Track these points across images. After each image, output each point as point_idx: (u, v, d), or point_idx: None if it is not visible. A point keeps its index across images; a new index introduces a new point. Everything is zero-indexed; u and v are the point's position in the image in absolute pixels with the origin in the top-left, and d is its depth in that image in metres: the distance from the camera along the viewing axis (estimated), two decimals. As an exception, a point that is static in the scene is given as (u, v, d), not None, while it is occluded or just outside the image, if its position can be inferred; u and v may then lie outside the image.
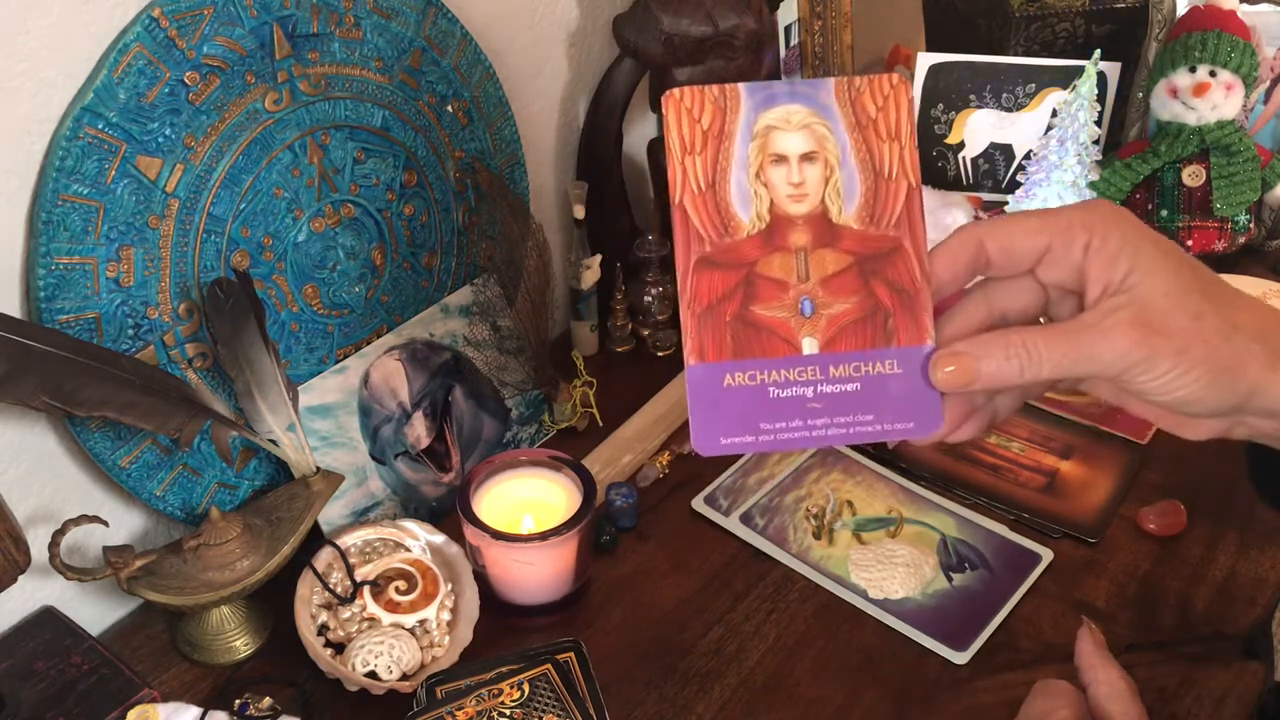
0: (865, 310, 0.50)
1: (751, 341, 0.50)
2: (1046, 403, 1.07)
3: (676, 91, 0.49)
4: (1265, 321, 0.50)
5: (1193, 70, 1.19)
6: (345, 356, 0.95)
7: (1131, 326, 0.48)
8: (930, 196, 1.24)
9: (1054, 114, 1.17)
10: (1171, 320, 0.48)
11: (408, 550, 0.87)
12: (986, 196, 1.29)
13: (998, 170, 1.29)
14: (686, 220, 0.50)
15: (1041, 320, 0.52)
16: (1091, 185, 1.17)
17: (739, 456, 1.02)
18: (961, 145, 1.28)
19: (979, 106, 1.26)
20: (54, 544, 0.76)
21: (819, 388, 0.50)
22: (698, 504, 0.97)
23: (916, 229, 0.50)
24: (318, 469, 0.86)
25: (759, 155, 0.50)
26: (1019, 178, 1.20)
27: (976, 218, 1.26)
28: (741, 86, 0.49)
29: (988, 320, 0.51)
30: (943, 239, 0.51)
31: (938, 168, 1.29)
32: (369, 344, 0.95)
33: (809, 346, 0.50)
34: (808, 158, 0.50)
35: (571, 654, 0.77)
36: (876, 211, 0.50)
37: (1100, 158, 1.17)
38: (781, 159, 0.50)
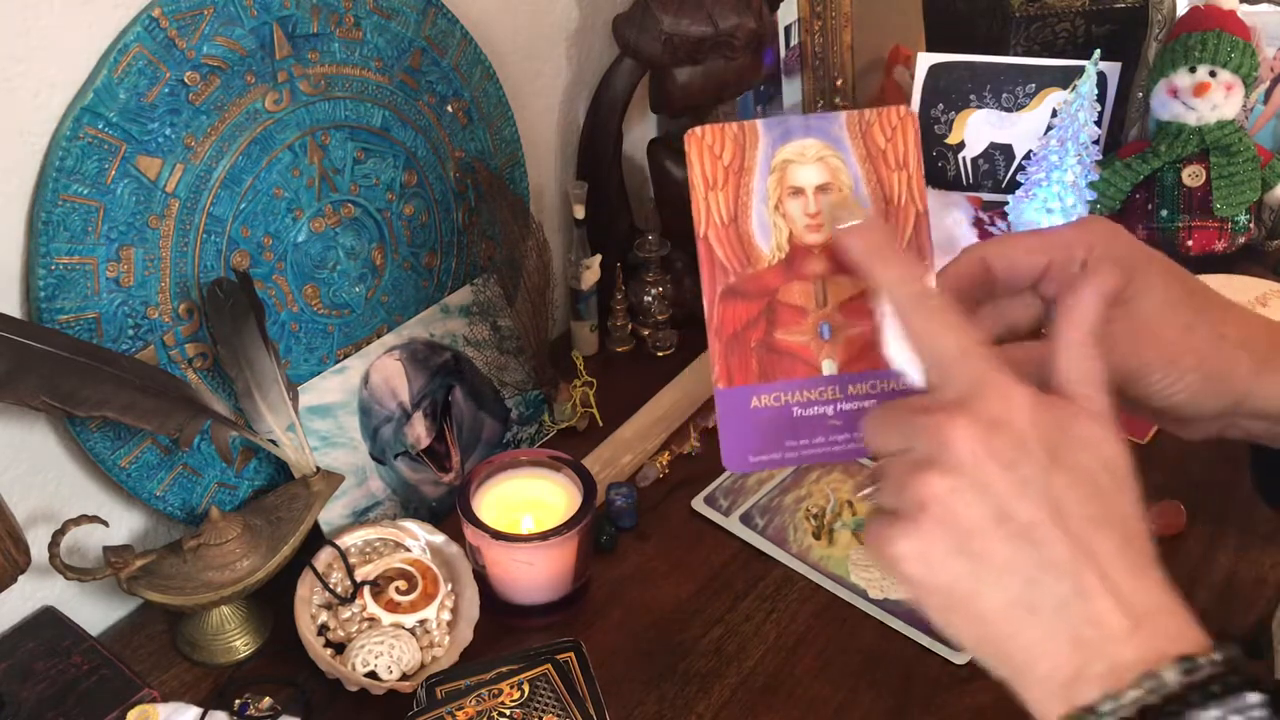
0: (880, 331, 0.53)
1: (775, 365, 0.53)
2: (1046, 403, 1.07)
3: (698, 130, 0.52)
4: (1252, 330, 0.53)
5: (1193, 70, 1.19)
6: (345, 356, 0.95)
7: (1124, 339, 0.51)
8: (930, 197, 1.23)
9: (1054, 114, 1.17)
10: (1163, 332, 0.51)
11: (408, 550, 0.87)
12: (986, 196, 1.29)
13: (998, 170, 1.29)
14: (711, 253, 0.52)
15: (1043, 332, 0.54)
16: (1091, 185, 1.17)
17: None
18: (961, 145, 1.28)
19: (979, 106, 1.26)
20: (54, 544, 0.76)
21: (839, 406, 0.53)
22: (698, 504, 0.97)
23: (925, 252, 0.53)
24: (318, 469, 0.86)
25: (777, 188, 0.52)
26: (1019, 178, 1.20)
27: (977, 217, 1.26)
28: (760, 123, 0.52)
29: (995, 331, 0.54)
30: (949, 259, 0.53)
31: (938, 168, 1.29)
32: (369, 344, 0.95)
33: (828, 368, 0.53)
34: (823, 189, 0.52)
35: (571, 654, 0.77)
36: None
37: (1100, 158, 1.17)
38: (799, 191, 0.52)
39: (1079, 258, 0.51)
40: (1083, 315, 0.47)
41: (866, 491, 0.48)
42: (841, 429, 0.53)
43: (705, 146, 0.52)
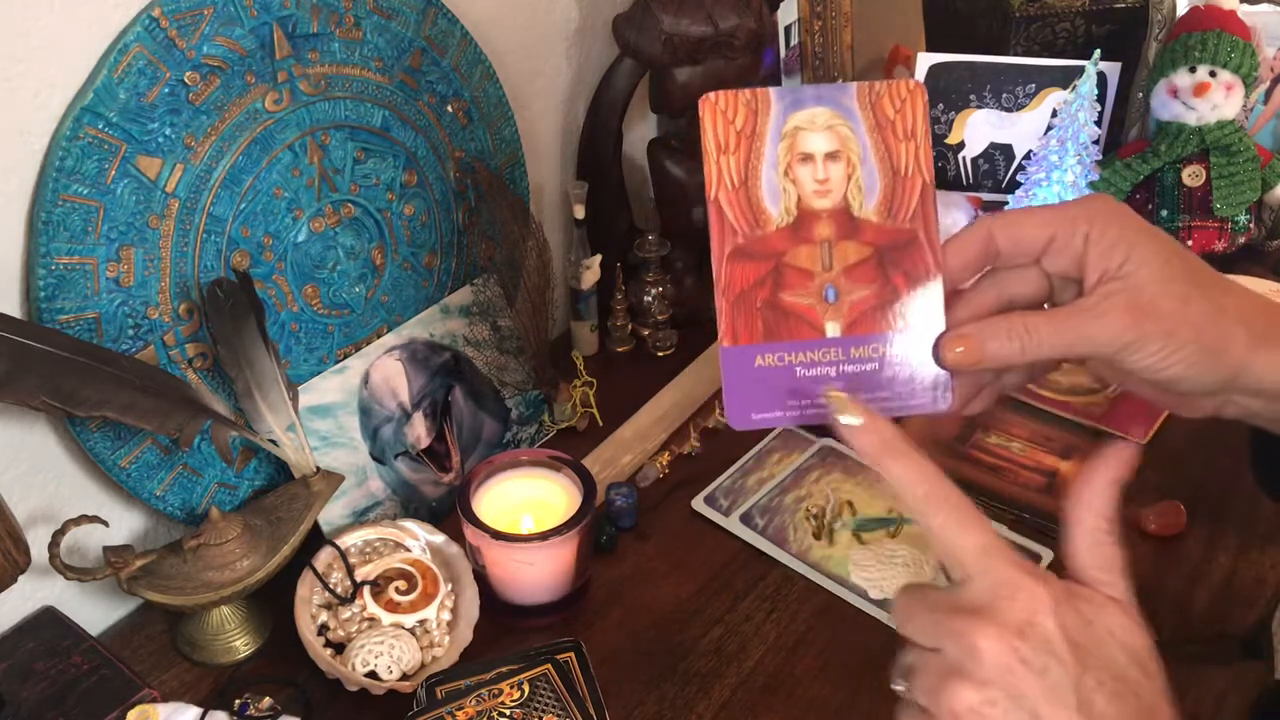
0: (883, 297, 0.54)
1: (780, 325, 0.54)
2: (1046, 403, 1.07)
3: (712, 95, 0.53)
4: (1249, 306, 0.54)
5: (1193, 70, 1.19)
6: (345, 356, 0.95)
7: (1124, 310, 0.52)
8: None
9: (1054, 114, 1.17)
10: (1161, 305, 0.52)
11: (408, 550, 0.87)
12: (986, 196, 1.29)
13: (998, 170, 1.29)
14: (721, 214, 0.53)
15: (1045, 306, 0.55)
16: (1091, 185, 1.17)
17: (740, 454, 1.02)
18: (961, 145, 1.28)
19: (979, 106, 1.26)
20: (54, 544, 0.76)
21: (841, 367, 0.54)
22: (698, 504, 0.97)
23: (930, 222, 0.54)
24: (318, 469, 0.86)
25: (787, 154, 0.53)
26: (1019, 178, 1.20)
27: (976, 217, 1.26)
28: (772, 91, 0.53)
29: (997, 305, 0.55)
30: (955, 232, 0.55)
31: (938, 168, 1.29)
32: (369, 344, 0.95)
33: (832, 330, 0.54)
34: (832, 156, 0.54)
35: (571, 654, 0.77)
36: (894, 206, 0.54)
37: (1100, 158, 1.17)
38: (808, 157, 0.54)
39: (1082, 232, 0.53)
40: (1099, 502, 0.50)
41: (898, 685, 0.49)
42: (843, 391, 0.54)
43: (719, 111, 0.53)
